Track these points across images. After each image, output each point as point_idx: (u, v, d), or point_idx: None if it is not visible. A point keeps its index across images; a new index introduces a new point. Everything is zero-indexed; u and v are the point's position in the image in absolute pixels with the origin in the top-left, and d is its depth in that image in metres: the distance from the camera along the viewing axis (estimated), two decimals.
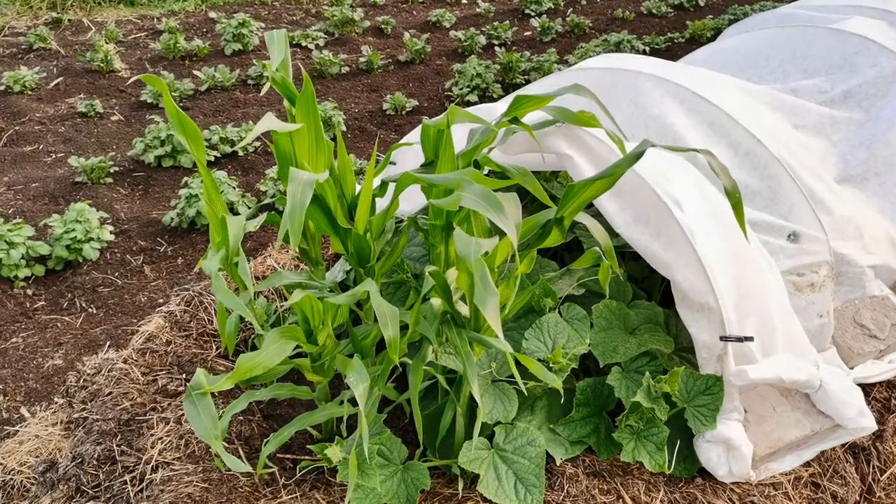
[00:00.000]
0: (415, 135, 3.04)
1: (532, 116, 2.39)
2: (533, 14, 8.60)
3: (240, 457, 2.32)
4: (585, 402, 2.33)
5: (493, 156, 2.63)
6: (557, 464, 2.24)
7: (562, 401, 2.38)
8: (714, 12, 8.95)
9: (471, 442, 2.15)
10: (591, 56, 7.12)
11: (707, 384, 2.24)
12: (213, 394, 2.59)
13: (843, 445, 2.45)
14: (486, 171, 2.14)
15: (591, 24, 8.32)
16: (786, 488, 2.28)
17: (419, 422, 1.98)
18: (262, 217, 2.28)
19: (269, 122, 2.04)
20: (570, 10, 8.91)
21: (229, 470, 2.22)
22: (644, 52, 7.51)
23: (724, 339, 2.21)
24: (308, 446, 2.18)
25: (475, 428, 1.93)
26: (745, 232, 1.81)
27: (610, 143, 2.39)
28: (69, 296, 3.98)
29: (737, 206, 1.77)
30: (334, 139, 5.69)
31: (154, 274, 4.20)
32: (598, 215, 2.66)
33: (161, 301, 3.99)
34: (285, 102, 2.53)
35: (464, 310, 1.99)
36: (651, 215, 2.31)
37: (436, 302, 1.96)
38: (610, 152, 2.41)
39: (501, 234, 2.53)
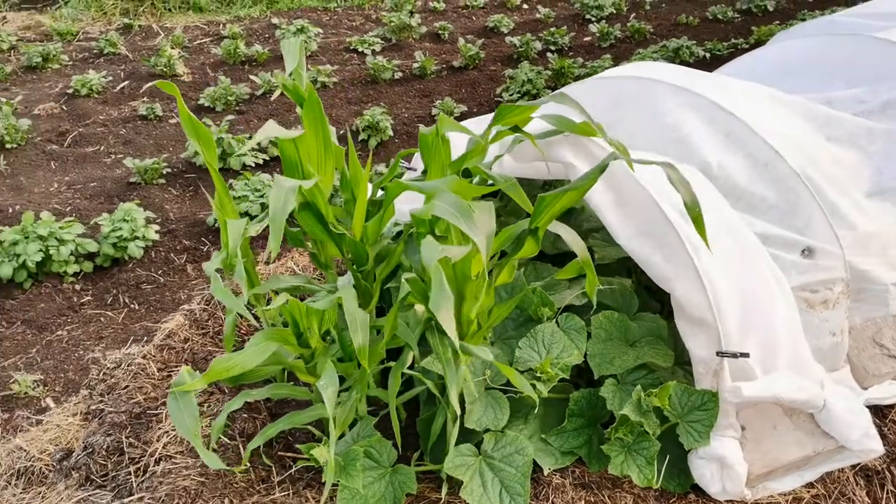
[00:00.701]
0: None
1: (538, 126, 2.38)
2: (593, 19, 8.52)
3: (239, 453, 2.39)
4: (579, 412, 2.31)
5: (505, 162, 2.64)
6: (545, 473, 2.23)
7: (557, 411, 2.37)
8: (783, 17, 8.67)
9: (458, 448, 2.16)
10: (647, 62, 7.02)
11: (702, 400, 2.20)
12: (223, 390, 2.68)
13: (853, 467, 2.36)
14: (475, 180, 2.15)
15: (652, 30, 8.19)
16: None
17: (396, 425, 2.01)
18: (265, 222, 2.35)
19: (271, 129, 2.11)
20: (632, 16, 8.78)
21: (229, 465, 2.30)
22: (704, 59, 7.34)
23: (720, 354, 2.16)
24: (297, 446, 2.23)
25: (451, 434, 1.94)
26: (706, 241, 1.77)
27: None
28: (114, 292, 4.16)
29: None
30: (378, 146, 5.77)
31: (195, 273, 4.35)
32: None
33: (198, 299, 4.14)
34: (298, 109, 2.60)
35: None
36: (653, 228, 2.28)
37: (419, 308, 1.99)
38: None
39: None
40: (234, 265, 2.16)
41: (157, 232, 4.49)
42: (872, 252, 2.62)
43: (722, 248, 2.31)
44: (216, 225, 4.62)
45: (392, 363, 2.20)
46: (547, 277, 2.60)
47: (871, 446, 2.23)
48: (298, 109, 2.52)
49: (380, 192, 2.62)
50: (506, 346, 2.43)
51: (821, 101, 3.26)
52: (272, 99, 3.80)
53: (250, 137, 5.52)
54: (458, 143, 2.43)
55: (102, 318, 3.97)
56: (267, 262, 3.56)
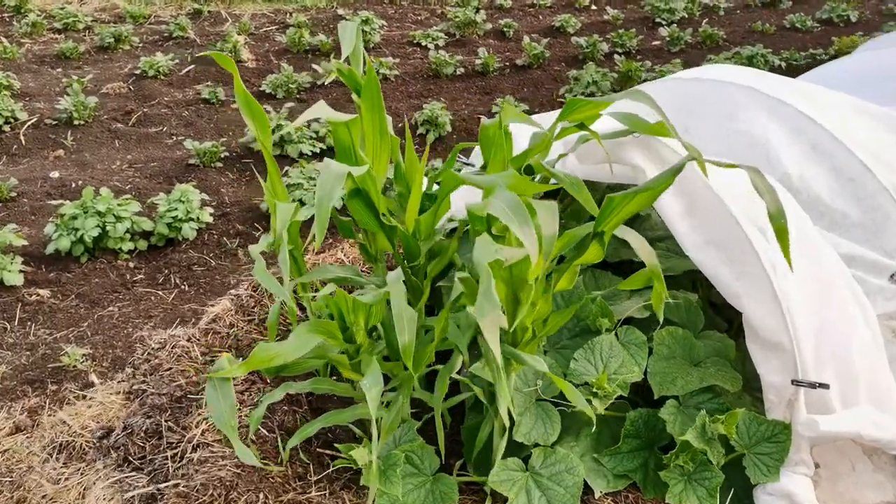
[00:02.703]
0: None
1: (606, 125, 2.25)
2: (664, 23, 8.28)
3: (277, 447, 2.31)
4: (635, 433, 2.17)
5: (568, 162, 2.50)
6: (596, 496, 2.09)
7: (612, 429, 2.22)
8: (866, 29, 8.29)
9: (504, 461, 2.04)
10: None
11: (772, 431, 2.03)
12: (265, 380, 2.61)
13: None
14: (537, 178, 2.03)
15: (724, 36, 7.93)
16: None
17: (441, 432, 1.90)
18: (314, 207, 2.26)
19: (320, 109, 2.02)
20: (704, 21, 8.52)
21: (264, 459, 2.22)
22: (780, 68, 7.05)
23: (795, 382, 1.99)
24: (335, 444, 2.14)
25: (498, 447, 1.82)
26: (788, 260, 1.60)
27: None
28: (166, 271, 4.14)
29: (780, 233, 1.58)
30: (437, 140, 5.68)
31: (246, 257, 4.31)
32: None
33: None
34: (353, 95, 2.51)
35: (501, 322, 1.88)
36: (726, 240, 2.12)
37: (472, 310, 1.86)
38: (689, 167, 2.23)
39: None
40: (282, 251, 2.08)
41: (211, 215, 4.47)
42: None
43: (800, 266, 2.14)
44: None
45: (439, 366, 2.09)
46: (607, 286, 2.45)
47: None
48: (355, 97, 2.43)
49: (435, 187, 2.52)
50: (560, 357, 2.30)
51: None
52: (326, 83, 3.74)
53: (308, 125, 5.48)
54: (519, 140, 2.31)
55: (153, 297, 3.96)
56: (317, 252, 3.48)
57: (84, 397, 2.81)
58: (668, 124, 1.84)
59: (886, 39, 4.06)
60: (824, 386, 1.96)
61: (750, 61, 7.05)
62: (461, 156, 3.29)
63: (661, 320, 1.96)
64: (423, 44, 7.36)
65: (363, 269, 3.12)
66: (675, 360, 2.24)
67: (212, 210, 4.52)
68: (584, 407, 1.77)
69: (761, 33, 8.20)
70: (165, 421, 2.38)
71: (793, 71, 7.19)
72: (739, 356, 2.30)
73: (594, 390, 2.06)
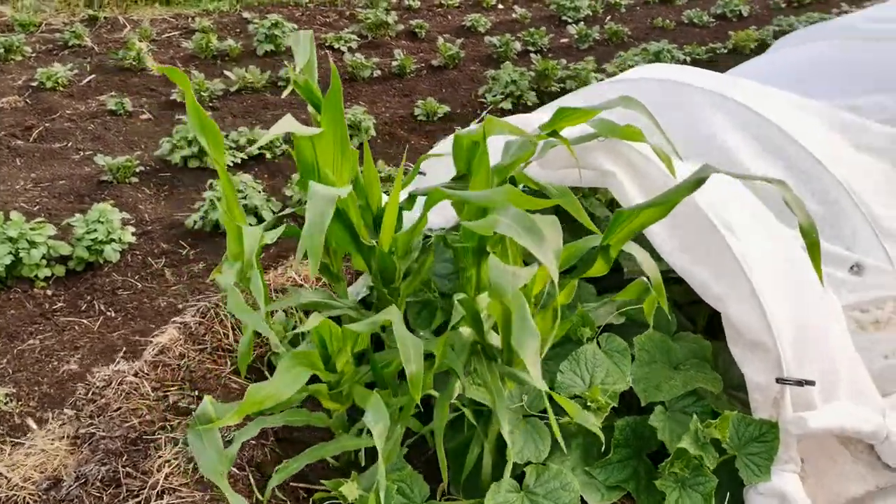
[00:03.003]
0: (446, 144, 2.87)
1: (573, 129, 2.21)
2: (570, 21, 8.41)
3: (250, 485, 2.17)
4: (625, 442, 2.14)
5: (532, 170, 2.45)
6: None
7: (598, 439, 2.19)
8: (758, 23, 8.66)
9: (499, 483, 1.97)
10: (630, 65, 6.91)
11: (760, 430, 2.04)
12: (201, 417, 2.45)
13: None
14: (521, 188, 1.96)
15: (629, 33, 8.11)
16: None
17: (443, 462, 1.81)
18: (280, 229, 2.13)
19: (287, 124, 1.90)
20: (608, 18, 8.70)
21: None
22: (685, 63, 7.28)
23: (780, 381, 2.01)
24: (322, 481, 2.02)
25: (506, 469, 1.75)
26: (820, 276, 1.61)
27: (657, 162, 2.21)
28: (88, 298, 3.87)
29: (812, 247, 1.58)
30: (361, 147, 5.57)
31: (175, 278, 4.07)
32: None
33: (180, 307, 3.87)
34: (310, 108, 2.39)
35: (495, 340, 1.82)
36: (702, 243, 2.12)
37: (465, 331, 1.79)
38: (657, 171, 2.23)
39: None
40: (251, 278, 1.94)
41: (133, 234, 4.20)
42: None
43: (773, 264, 2.17)
44: (196, 227, 4.35)
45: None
46: (585, 296, 2.42)
47: None
48: (312, 110, 2.32)
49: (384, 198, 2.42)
50: (542, 369, 2.24)
51: (844, 108, 3.16)
52: (283, 97, 3.62)
53: (227, 135, 5.25)
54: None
55: (77, 327, 3.68)
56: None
57: (20, 445, 2.57)
58: (659, 130, 1.81)
59: (802, 34, 4.22)
60: (810, 383, 1.98)
61: (657, 57, 7.23)
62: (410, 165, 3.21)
63: (651, 326, 1.93)
64: (336, 47, 7.20)
65: (316, 286, 2.99)
66: (655, 364, 2.23)
67: (133, 229, 4.25)
68: (590, 423, 1.72)
69: (662, 29, 8.44)
70: (123, 467, 2.20)
71: (697, 65, 7.43)
72: (715, 357, 2.31)
73: (588, 403, 2.02)
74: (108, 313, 3.80)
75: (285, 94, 2.13)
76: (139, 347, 3.55)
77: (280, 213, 2.53)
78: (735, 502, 2.13)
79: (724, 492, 2.09)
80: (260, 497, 1.77)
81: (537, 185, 1.87)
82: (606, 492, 2.09)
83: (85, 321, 3.74)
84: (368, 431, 2.15)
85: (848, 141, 2.96)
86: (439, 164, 2.79)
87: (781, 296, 2.10)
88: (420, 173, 2.95)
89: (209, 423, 1.63)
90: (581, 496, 2.02)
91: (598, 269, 1.70)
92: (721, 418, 1.98)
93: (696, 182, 1.56)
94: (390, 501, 1.87)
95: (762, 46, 7.74)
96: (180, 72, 2.06)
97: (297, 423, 2.04)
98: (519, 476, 2.06)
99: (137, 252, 4.21)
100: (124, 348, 3.58)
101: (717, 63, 7.57)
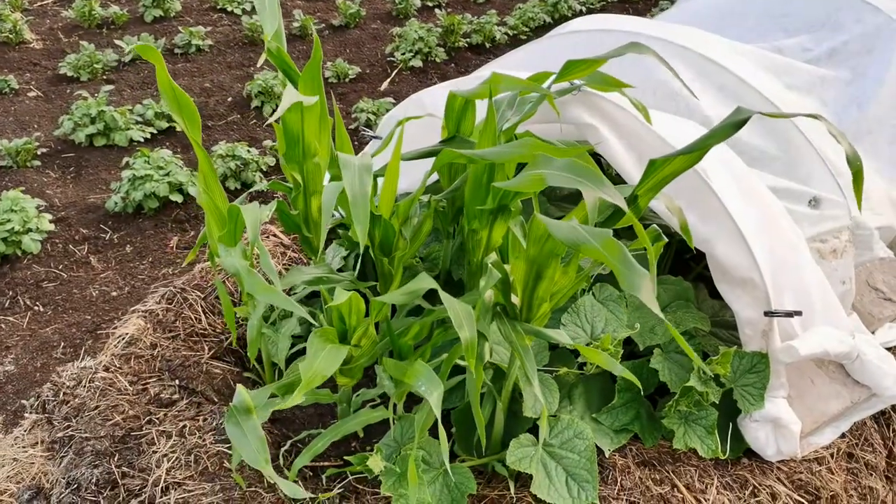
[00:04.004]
0: (404, 108, 2.82)
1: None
2: None
3: (258, 472, 2.10)
4: (627, 386, 2.21)
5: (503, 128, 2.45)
6: (607, 455, 2.12)
7: (596, 386, 2.25)
8: None
9: (518, 439, 2.00)
10: (530, 16, 6.97)
11: (752, 362, 2.16)
12: (212, 400, 2.36)
13: None
14: None
15: None
16: (828, 462, 2.23)
17: (481, 426, 1.81)
18: (273, 204, 2.04)
19: (292, 95, 1.82)
20: None
21: (250, 486, 2.01)
22: (581, 12, 7.42)
23: (769, 314, 2.12)
24: (345, 457, 1.98)
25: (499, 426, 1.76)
26: (859, 204, 1.69)
27: (634, 112, 2.26)
28: (10, 293, 3.61)
29: (857, 176, 1.65)
30: (275, 111, 5.38)
31: (102, 265, 3.85)
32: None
33: (114, 294, 3.67)
34: (280, 75, 2.29)
35: (514, 300, 1.82)
36: (684, 187, 2.19)
37: (487, 295, 1.79)
38: (634, 121, 2.27)
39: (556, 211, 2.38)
40: (260, 257, 1.86)
41: (50, 221, 3.93)
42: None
43: (745, 203, 2.26)
44: (116, 209, 4.10)
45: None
46: None
47: None
48: (284, 79, 2.21)
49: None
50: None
51: (770, 50, 3.30)
52: (258, 65, 3.41)
53: (132, 110, 4.95)
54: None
55: (4, 325, 3.43)
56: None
57: None
58: (678, 78, 1.86)
59: None
60: (797, 313, 2.10)
61: (555, 8, 7.33)
62: (366, 130, 3.13)
63: (655, 272, 1.98)
64: (230, 9, 6.87)
65: (284, 262, 2.89)
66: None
67: (49, 216, 3.97)
68: (620, 370, 1.76)
69: None
70: (117, 466, 2.08)
71: (592, 13, 7.58)
72: (696, 296, 2.42)
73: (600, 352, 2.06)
74: (36, 308, 3.56)
75: (260, 62, 2.02)
76: (81, 337, 3.36)
77: (251, 190, 2.41)
78: (726, 430, 2.25)
79: (726, 422, 2.20)
80: (308, 495, 1.72)
81: (549, 145, 1.86)
82: (615, 435, 2.16)
83: (11, 318, 3.50)
84: (378, 405, 2.14)
85: (780, 81, 3.10)
86: (409, 128, 2.74)
87: (757, 232, 2.21)
88: (376, 137, 2.89)
89: (247, 412, 1.56)
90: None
91: (627, 218, 1.72)
92: (723, 354, 2.08)
93: (735, 125, 1.61)
94: (419, 469, 1.86)
95: None
96: (153, 48, 1.91)
97: (306, 402, 1.99)
98: (529, 430, 2.09)
99: (56, 240, 3.95)
100: (62, 343, 3.38)
101: (609, 10, 7.74)
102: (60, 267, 3.80)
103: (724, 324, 2.42)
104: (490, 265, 1.68)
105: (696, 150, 1.62)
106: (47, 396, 2.33)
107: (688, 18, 3.79)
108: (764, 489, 2.13)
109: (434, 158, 1.97)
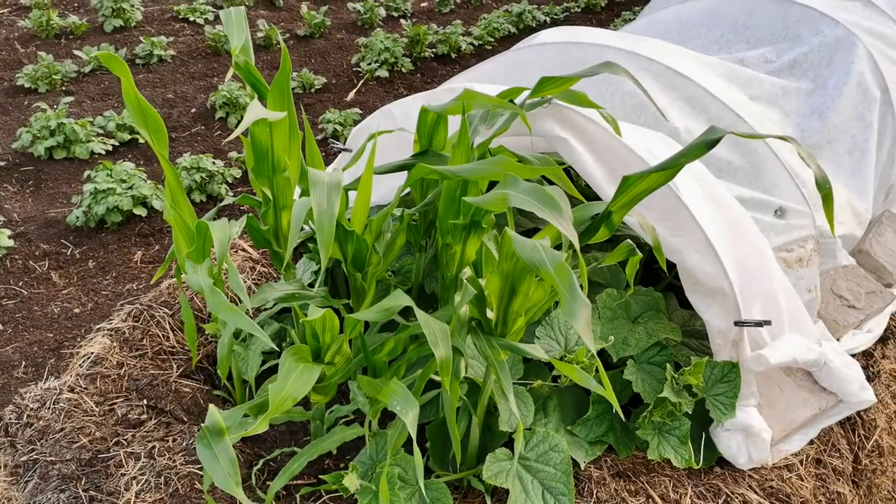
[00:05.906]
0: (374, 120, 2.81)
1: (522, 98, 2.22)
2: None
3: (229, 495, 2.06)
4: (600, 398, 2.22)
5: (479, 139, 2.45)
6: (582, 468, 2.12)
7: (570, 399, 2.26)
8: None
9: (494, 454, 1.99)
10: (495, 27, 7.01)
11: (724, 372, 2.18)
12: (181, 419, 2.32)
13: None
14: None
15: None
16: (798, 469, 2.26)
17: (457, 443, 1.80)
18: (243, 220, 2.01)
19: (256, 110, 1.79)
20: None
21: None
22: (545, 23, 7.49)
23: (738, 324, 2.15)
24: (320, 476, 1.95)
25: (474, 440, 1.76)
26: (832, 226, 1.72)
27: (604, 125, 2.27)
28: None
29: (826, 198, 1.68)
30: (240, 121, 5.32)
31: (63, 281, 3.76)
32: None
33: (77, 311, 3.59)
34: (248, 89, 2.26)
35: (490, 315, 1.82)
36: (654, 198, 2.21)
37: (463, 310, 1.78)
38: (605, 134, 2.28)
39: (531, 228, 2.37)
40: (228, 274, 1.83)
41: (9, 237, 3.83)
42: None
43: (713, 212, 2.29)
44: (78, 223, 4.02)
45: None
46: None
47: (866, 397, 2.33)
48: (252, 92, 2.19)
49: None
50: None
51: (733, 62, 3.36)
52: (226, 80, 3.39)
53: (93, 121, 4.86)
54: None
55: None
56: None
57: None
58: (650, 98, 1.87)
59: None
60: (767, 323, 2.13)
61: (520, 18, 7.39)
62: (335, 142, 3.10)
63: (632, 285, 2.00)
64: (192, 19, 6.80)
65: (253, 278, 2.85)
66: (617, 320, 2.32)
67: (8, 231, 3.88)
68: (595, 386, 1.76)
69: None
70: (84, 491, 2.03)
71: (556, 24, 7.65)
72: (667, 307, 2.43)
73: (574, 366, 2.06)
74: None
75: (228, 77, 1.99)
76: (38, 360, 3.28)
77: (221, 204, 2.38)
78: (699, 440, 2.27)
79: (698, 432, 2.22)
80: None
81: (517, 157, 1.87)
82: (590, 447, 2.16)
83: None
84: (351, 421, 2.11)
85: (744, 93, 3.16)
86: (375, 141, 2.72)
87: (726, 242, 2.23)
88: (345, 150, 2.88)
89: (219, 433, 1.53)
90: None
91: (601, 234, 1.73)
92: (695, 365, 2.10)
93: (707, 143, 1.62)
94: (395, 487, 1.84)
95: (611, 4, 8.09)
96: (117, 57, 1.87)
97: (279, 421, 1.96)
98: (506, 445, 2.09)
99: (16, 256, 3.86)
100: (24, 362, 3.30)
101: (573, 21, 7.82)
102: (20, 284, 3.70)
103: (695, 333, 2.44)
104: (465, 281, 1.67)
105: (670, 168, 1.63)
106: (10, 419, 2.26)
107: (654, 30, 3.84)
108: (736, 497, 2.15)
109: (406, 172, 1.96)
